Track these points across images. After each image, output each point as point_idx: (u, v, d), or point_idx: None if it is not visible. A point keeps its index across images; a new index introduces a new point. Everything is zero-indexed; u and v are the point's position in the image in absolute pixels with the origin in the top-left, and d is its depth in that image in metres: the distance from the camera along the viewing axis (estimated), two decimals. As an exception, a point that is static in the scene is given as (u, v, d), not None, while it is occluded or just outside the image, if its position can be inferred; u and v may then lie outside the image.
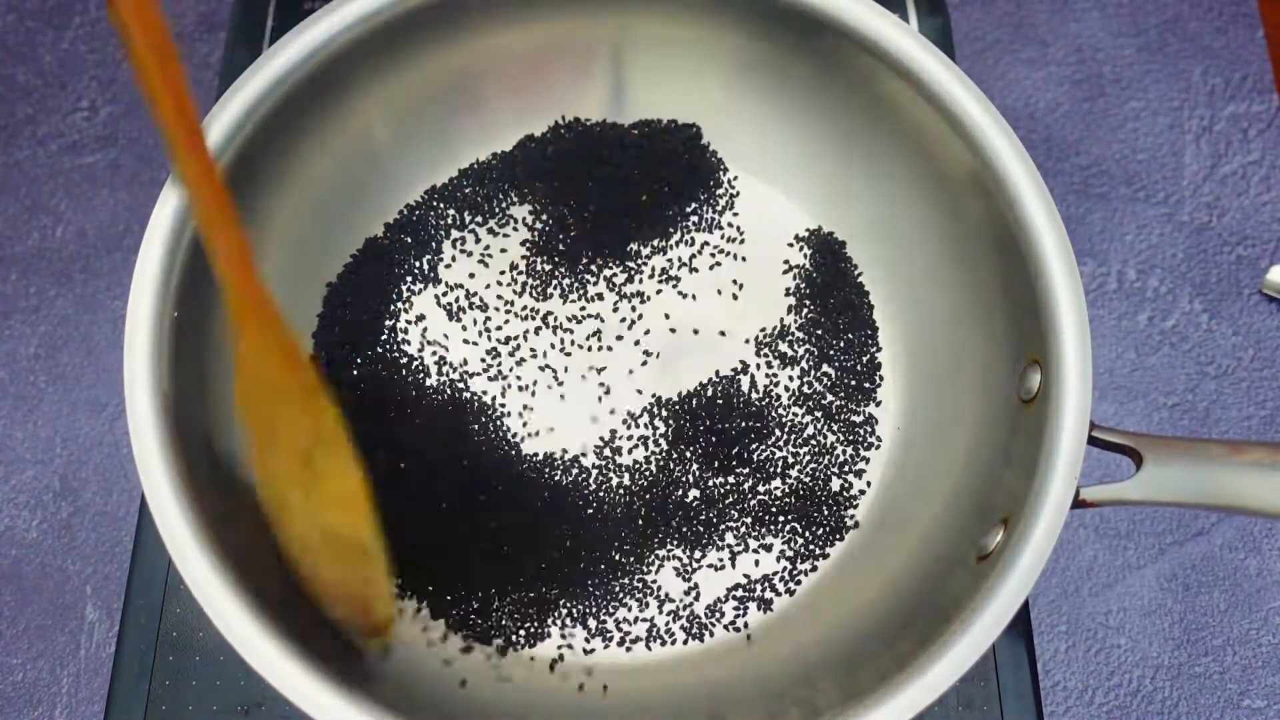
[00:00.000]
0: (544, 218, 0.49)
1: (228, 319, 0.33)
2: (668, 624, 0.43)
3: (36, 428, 0.50)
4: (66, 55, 0.58)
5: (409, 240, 0.48)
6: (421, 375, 0.46)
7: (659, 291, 0.48)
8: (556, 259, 0.48)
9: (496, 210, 0.49)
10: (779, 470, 0.45)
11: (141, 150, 0.56)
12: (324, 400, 0.36)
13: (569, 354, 0.47)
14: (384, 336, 0.47)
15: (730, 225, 0.49)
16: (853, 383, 0.47)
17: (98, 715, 0.46)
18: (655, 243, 0.49)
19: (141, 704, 0.43)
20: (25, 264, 0.53)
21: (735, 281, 0.49)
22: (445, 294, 0.48)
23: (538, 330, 0.47)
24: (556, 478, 0.45)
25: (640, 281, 0.48)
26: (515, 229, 0.49)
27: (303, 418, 0.36)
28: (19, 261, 0.53)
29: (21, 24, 0.58)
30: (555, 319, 0.47)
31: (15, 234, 0.54)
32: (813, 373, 0.47)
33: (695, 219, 0.49)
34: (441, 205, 0.49)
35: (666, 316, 0.48)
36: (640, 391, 0.46)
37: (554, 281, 0.48)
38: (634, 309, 0.48)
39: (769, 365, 0.47)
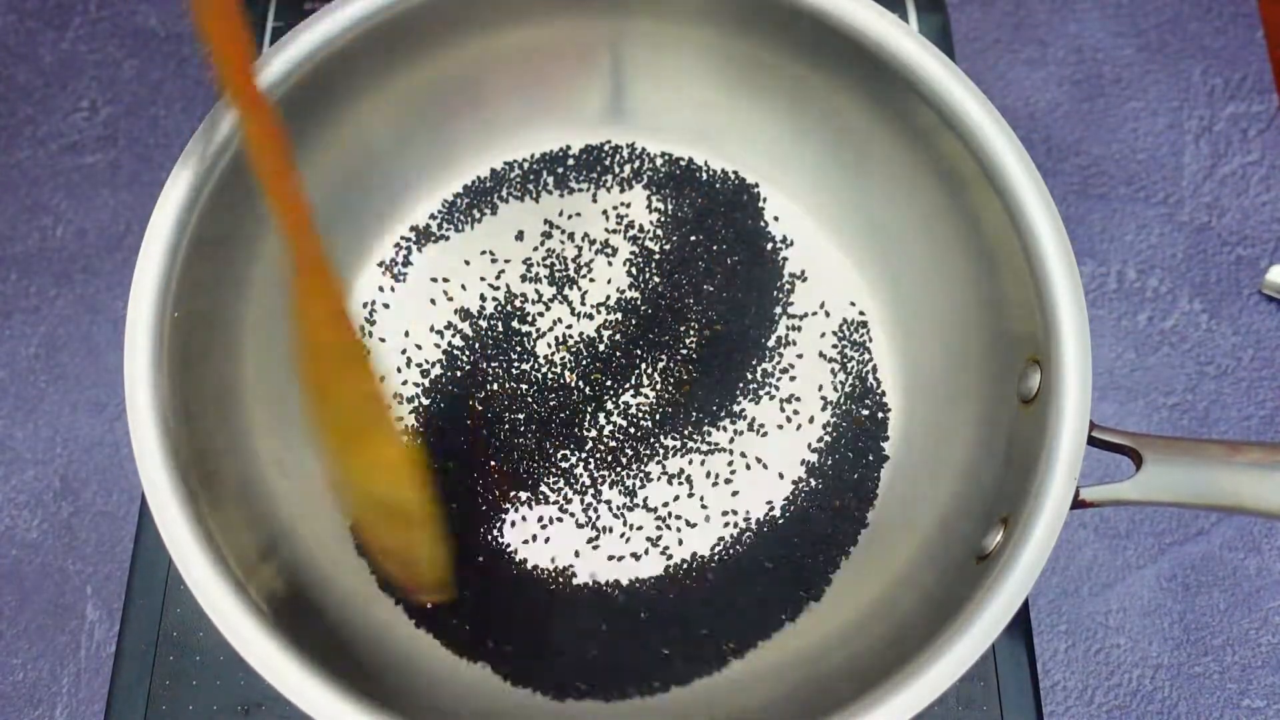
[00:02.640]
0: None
1: (290, 276, 0.35)
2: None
3: (37, 428, 0.50)
4: (66, 55, 0.57)
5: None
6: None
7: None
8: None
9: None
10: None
11: (141, 150, 0.56)
12: (371, 369, 0.37)
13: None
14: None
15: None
16: (854, 383, 0.47)
17: (98, 715, 0.46)
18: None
19: (141, 704, 0.43)
20: (25, 264, 0.53)
21: (729, 278, 0.49)
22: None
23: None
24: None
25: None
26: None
27: (354, 383, 0.37)
28: (19, 261, 0.53)
29: (21, 24, 0.58)
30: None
31: (15, 234, 0.54)
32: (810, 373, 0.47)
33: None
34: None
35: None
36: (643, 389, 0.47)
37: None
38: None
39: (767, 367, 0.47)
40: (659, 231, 0.49)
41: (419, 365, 0.47)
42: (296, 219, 0.35)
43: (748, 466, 0.46)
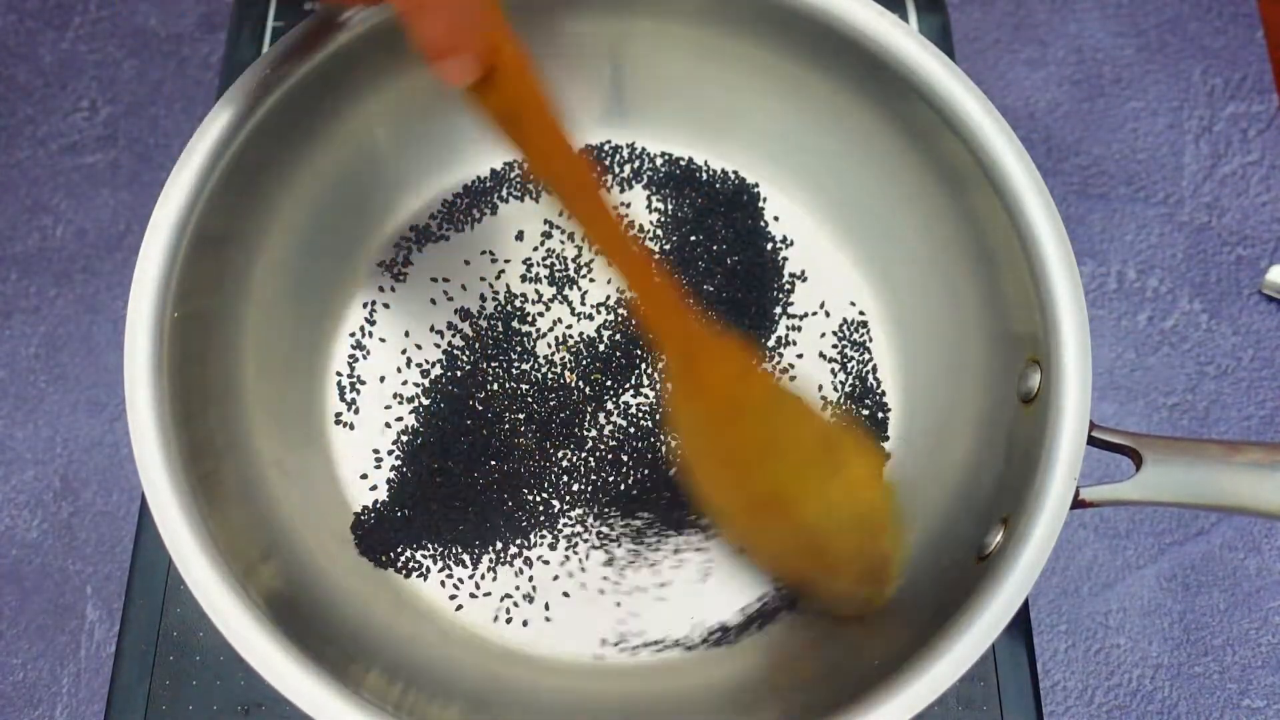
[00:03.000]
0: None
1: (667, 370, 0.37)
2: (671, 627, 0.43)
3: (37, 428, 0.50)
4: (66, 55, 0.58)
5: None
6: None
7: None
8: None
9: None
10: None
11: (141, 150, 0.56)
12: (811, 409, 0.38)
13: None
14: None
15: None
16: (854, 383, 0.47)
17: (98, 715, 0.46)
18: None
19: (141, 704, 0.43)
20: (25, 264, 0.53)
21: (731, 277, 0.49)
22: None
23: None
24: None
25: None
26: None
27: (803, 427, 0.38)
28: (19, 261, 0.53)
29: (21, 24, 0.58)
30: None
31: (15, 234, 0.54)
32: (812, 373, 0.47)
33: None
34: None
35: None
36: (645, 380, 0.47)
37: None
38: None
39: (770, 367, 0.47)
40: (659, 231, 0.49)
41: (419, 365, 0.47)
42: (675, 305, 0.36)
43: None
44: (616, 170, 0.50)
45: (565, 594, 0.44)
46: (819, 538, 0.39)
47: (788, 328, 0.48)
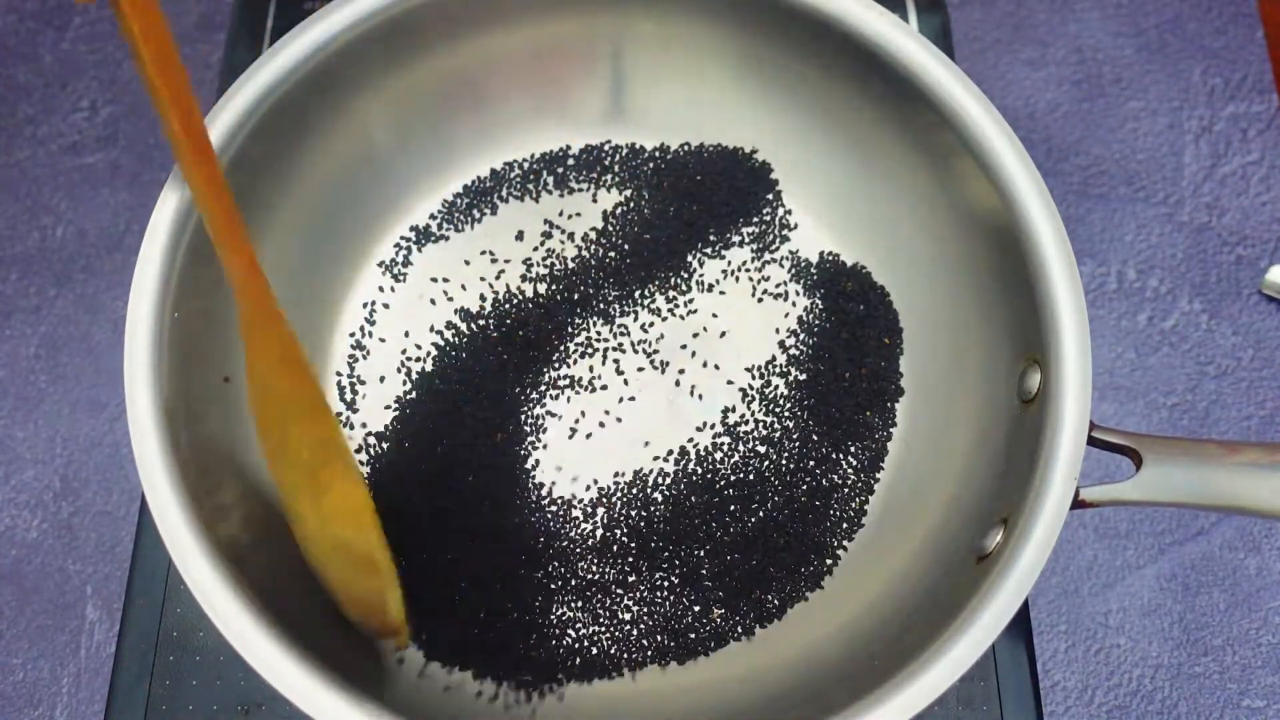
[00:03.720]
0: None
1: (239, 324, 0.34)
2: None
3: (37, 428, 0.50)
4: (66, 55, 0.58)
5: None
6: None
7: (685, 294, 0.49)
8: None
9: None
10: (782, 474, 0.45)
11: (141, 150, 0.56)
12: (327, 415, 0.37)
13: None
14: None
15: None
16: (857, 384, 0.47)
17: (98, 715, 0.46)
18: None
19: (141, 704, 0.43)
20: (25, 264, 0.53)
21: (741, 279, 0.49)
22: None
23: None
24: (563, 510, 0.45)
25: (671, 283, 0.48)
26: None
27: (308, 429, 0.36)
28: (19, 261, 0.53)
29: (21, 24, 0.58)
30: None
31: (15, 234, 0.54)
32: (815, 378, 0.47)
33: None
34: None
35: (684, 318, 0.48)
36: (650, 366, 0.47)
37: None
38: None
39: (772, 373, 0.47)
40: (659, 232, 0.49)
41: (419, 365, 0.47)
42: (244, 263, 0.35)
43: (747, 464, 0.46)
44: (616, 170, 0.50)
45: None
46: (315, 558, 0.37)
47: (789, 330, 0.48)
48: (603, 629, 0.43)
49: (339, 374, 0.47)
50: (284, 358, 0.36)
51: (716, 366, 0.47)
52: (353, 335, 0.47)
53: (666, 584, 0.44)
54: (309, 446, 0.36)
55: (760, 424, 0.46)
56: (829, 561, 0.44)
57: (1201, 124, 0.57)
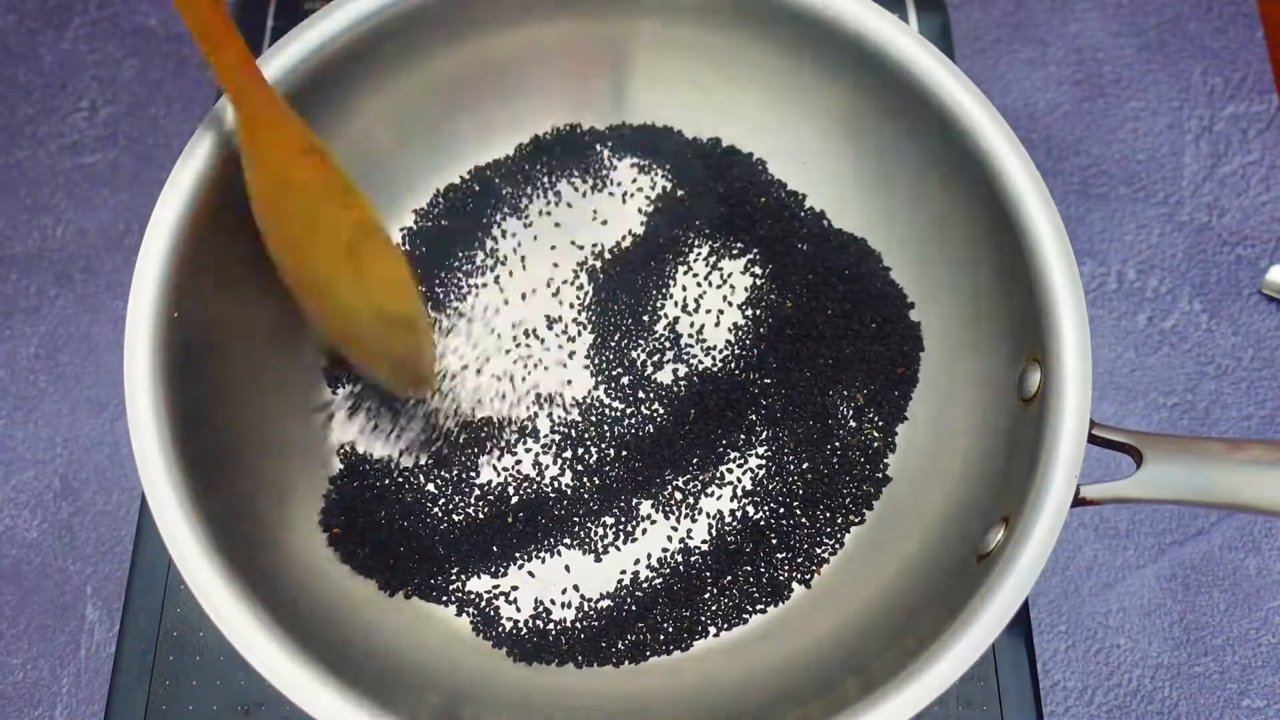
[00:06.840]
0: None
1: (238, 131, 0.36)
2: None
3: (37, 428, 0.50)
4: (66, 55, 0.58)
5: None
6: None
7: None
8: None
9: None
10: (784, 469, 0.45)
11: (141, 150, 0.56)
12: (360, 197, 0.38)
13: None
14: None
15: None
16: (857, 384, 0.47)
17: (98, 715, 0.46)
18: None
19: (141, 704, 0.43)
20: (25, 264, 0.53)
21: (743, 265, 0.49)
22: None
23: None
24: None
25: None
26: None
27: (343, 213, 0.38)
28: (19, 261, 0.53)
29: (21, 24, 0.58)
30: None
31: (15, 234, 0.54)
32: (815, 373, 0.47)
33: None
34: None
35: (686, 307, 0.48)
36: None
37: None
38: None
39: (772, 362, 0.47)
40: (658, 234, 0.49)
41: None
42: (234, 56, 0.35)
43: (748, 463, 0.46)
44: (616, 170, 0.50)
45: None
46: (354, 328, 0.40)
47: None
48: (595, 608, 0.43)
49: (339, 374, 0.47)
50: (303, 148, 0.37)
51: (703, 368, 0.47)
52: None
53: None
54: (346, 228, 0.38)
55: (760, 427, 0.46)
56: (829, 561, 0.44)
57: (1201, 124, 0.57)
